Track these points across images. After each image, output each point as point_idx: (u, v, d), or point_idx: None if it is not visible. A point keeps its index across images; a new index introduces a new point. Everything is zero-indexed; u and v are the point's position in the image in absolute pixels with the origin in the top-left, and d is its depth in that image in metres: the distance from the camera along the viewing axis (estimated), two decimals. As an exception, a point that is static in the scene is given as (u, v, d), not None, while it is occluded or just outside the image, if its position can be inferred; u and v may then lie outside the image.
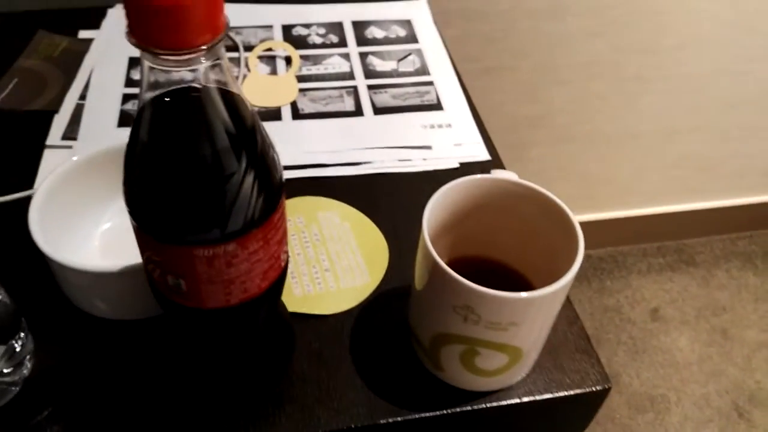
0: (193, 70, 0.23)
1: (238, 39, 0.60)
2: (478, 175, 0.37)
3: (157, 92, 0.24)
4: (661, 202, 1.24)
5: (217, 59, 0.23)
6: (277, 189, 0.27)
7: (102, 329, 0.39)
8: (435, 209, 0.35)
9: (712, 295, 1.22)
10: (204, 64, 0.23)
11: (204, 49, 0.22)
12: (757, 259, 1.29)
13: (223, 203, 0.25)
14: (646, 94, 1.02)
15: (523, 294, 0.31)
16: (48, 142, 0.50)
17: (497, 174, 0.38)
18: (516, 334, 0.33)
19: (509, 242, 0.39)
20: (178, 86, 0.24)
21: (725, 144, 1.15)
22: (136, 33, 0.21)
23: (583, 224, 1.30)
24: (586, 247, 1.28)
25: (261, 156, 0.26)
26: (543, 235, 0.36)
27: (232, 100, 0.25)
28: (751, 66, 1.02)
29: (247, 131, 0.25)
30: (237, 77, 0.57)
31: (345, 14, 0.66)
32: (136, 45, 0.22)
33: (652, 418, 1.05)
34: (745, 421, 1.05)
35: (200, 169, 0.24)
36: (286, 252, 0.31)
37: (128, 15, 0.21)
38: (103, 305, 0.39)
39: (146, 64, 0.23)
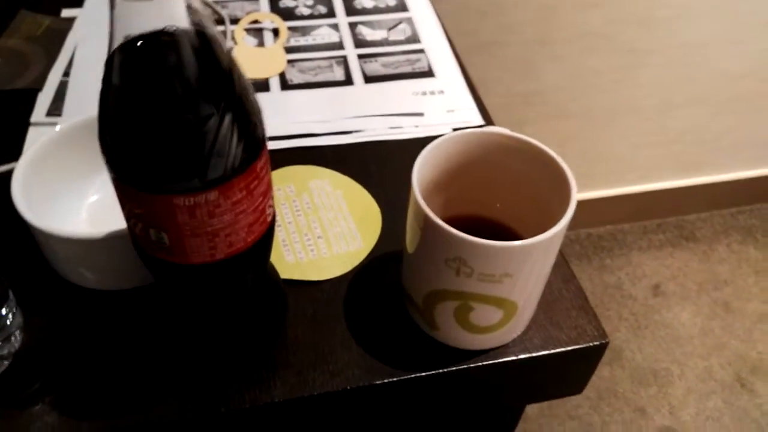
0: (164, 8, 0.22)
1: (223, 12, 0.60)
2: (467, 129, 0.36)
3: (128, 37, 0.23)
4: (660, 177, 1.24)
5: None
6: (258, 135, 0.26)
7: (91, 300, 0.39)
8: (425, 164, 0.35)
9: (713, 270, 1.22)
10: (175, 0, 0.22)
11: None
12: (758, 232, 1.29)
13: (201, 149, 0.24)
14: (642, 67, 1.01)
15: (516, 242, 0.30)
16: (32, 119, 0.50)
17: (489, 128, 0.37)
18: (510, 286, 0.32)
19: (502, 198, 0.38)
20: (149, 31, 0.23)
21: (723, 116, 1.14)
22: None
23: (582, 202, 1.30)
24: (586, 226, 1.28)
25: (239, 100, 0.25)
26: (535, 187, 0.36)
27: (206, 43, 0.24)
28: (748, 35, 1.01)
29: (223, 74, 0.24)
30: (224, 51, 0.56)
31: (333, -14, 0.65)
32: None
33: (656, 391, 1.04)
34: (747, 391, 1.05)
35: (175, 114, 0.24)
36: (272, 207, 0.30)
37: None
38: (91, 275, 0.38)
39: (116, 2, 0.22)
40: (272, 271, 0.37)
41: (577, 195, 0.32)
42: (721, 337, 1.12)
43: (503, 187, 0.37)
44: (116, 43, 0.23)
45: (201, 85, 0.24)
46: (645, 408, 1.02)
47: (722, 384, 1.06)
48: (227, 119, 0.24)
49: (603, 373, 1.07)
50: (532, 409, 0.94)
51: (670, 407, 1.02)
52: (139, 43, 0.23)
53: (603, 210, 1.26)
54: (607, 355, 1.09)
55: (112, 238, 0.35)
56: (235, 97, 0.25)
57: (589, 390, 1.03)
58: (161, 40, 0.23)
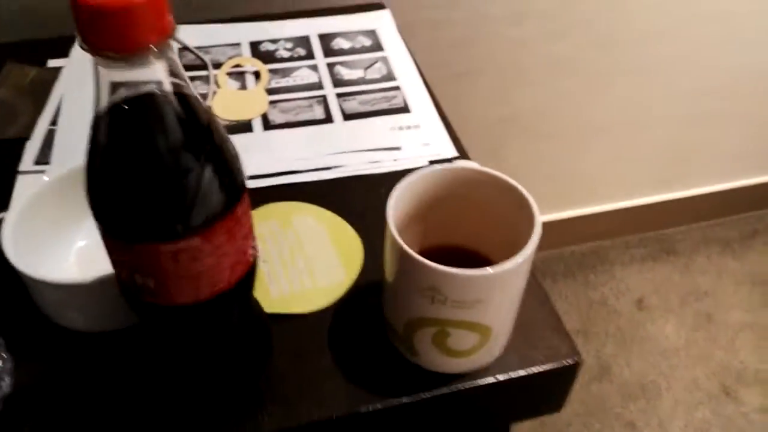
0: (145, 73, 0.24)
1: (206, 57, 0.62)
2: (438, 165, 0.38)
3: (113, 100, 0.25)
4: (639, 193, 1.27)
5: (168, 62, 0.25)
6: (237, 182, 0.28)
7: (80, 343, 0.40)
8: (399, 200, 0.37)
9: (694, 282, 1.24)
10: (155, 65, 0.24)
11: (152, 50, 0.23)
12: (735, 243, 1.32)
13: (182, 199, 0.26)
14: (611, 88, 1.05)
15: (483, 270, 0.32)
16: (21, 168, 0.51)
17: (457, 164, 0.40)
18: (482, 311, 0.34)
19: (474, 227, 0.40)
20: (132, 93, 0.25)
21: (694, 132, 1.18)
22: (87, 40, 0.23)
23: (563, 221, 1.32)
24: (569, 243, 1.30)
25: (218, 152, 0.27)
26: (504, 216, 0.38)
27: (185, 102, 0.26)
28: (711, 53, 1.05)
29: (201, 128, 0.26)
30: (207, 94, 0.58)
31: (311, 28, 0.67)
32: (88, 50, 0.23)
33: (644, 405, 1.06)
34: (732, 400, 1.06)
35: (157, 168, 0.26)
36: (254, 247, 0.32)
37: (77, 23, 0.23)
38: (79, 318, 0.39)
39: (99, 69, 0.24)
40: (256, 306, 0.38)
41: (541, 220, 0.35)
42: (705, 348, 1.14)
43: (475, 217, 0.39)
44: (101, 106, 0.25)
45: (182, 141, 0.26)
46: (635, 422, 1.04)
47: (709, 394, 1.07)
48: (207, 171, 0.26)
49: (592, 389, 1.08)
50: (522, 428, 0.95)
51: (659, 420, 1.04)
52: (123, 106, 0.25)
53: (585, 227, 1.29)
54: (596, 370, 1.11)
55: (99, 283, 0.36)
56: (214, 150, 0.27)
57: (579, 406, 1.05)
58: (143, 100, 0.25)
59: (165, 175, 0.26)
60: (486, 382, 0.39)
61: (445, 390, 0.38)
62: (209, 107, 0.26)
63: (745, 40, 1.05)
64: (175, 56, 0.25)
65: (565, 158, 1.15)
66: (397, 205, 0.36)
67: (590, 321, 1.18)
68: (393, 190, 0.36)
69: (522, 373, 0.39)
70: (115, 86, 0.25)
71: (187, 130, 0.26)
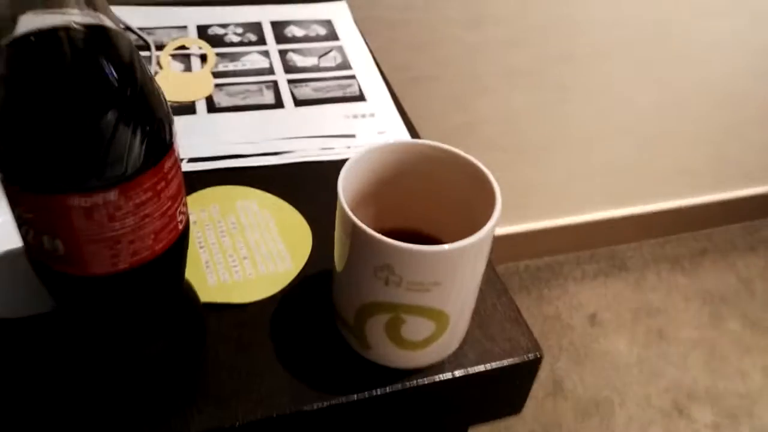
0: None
1: (149, 38, 0.58)
2: (393, 140, 0.35)
3: (19, 32, 0.21)
4: (591, 209, 1.28)
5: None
6: (163, 130, 0.25)
7: (-15, 331, 0.35)
8: (351, 174, 0.34)
9: (646, 298, 1.26)
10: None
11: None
12: (685, 260, 1.34)
13: (96, 141, 0.22)
14: (567, 102, 1.06)
15: (443, 246, 0.29)
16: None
17: (414, 140, 0.37)
18: (440, 295, 0.31)
19: (431, 209, 0.37)
20: (42, 26, 0.21)
21: (645, 149, 1.20)
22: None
23: (518, 234, 1.30)
24: (524, 257, 1.30)
25: (140, 94, 0.23)
26: (462, 196, 0.35)
27: (104, 36, 0.23)
28: (664, 71, 1.08)
29: (123, 67, 0.23)
30: (148, 74, 0.54)
31: (263, 15, 0.64)
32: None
33: (598, 422, 1.04)
34: (685, 417, 1.07)
35: (65, 106, 0.22)
36: (185, 213, 0.28)
37: None
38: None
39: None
40: (189, 292, 0.34)
41: (501, 199, 0.32)
42: (657, 365, 1.14)
43: (432, 198, 0.37)
44: (5, 38, 0.22)
45: (97, 78, 0.22)
46: (589, 439, 1.02)
47: (661, 411, 1.07)
48: (126, 114, 0.23)
49: (547, 405, 1.06)
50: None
51: (614, 436, 1.03)
52: (31, 38, 0.22)
53: (539, 241, 1.29)
54: (550, 386, 1.09)
55: (9, 256, 0.32)
56: (135, 91, 0.23)
57: (534, 423, 1.02)
58: (55, 35, 0.22)
59: (74, 114, 0.22)
60: (442, 378, 0.35)
61: (398, 386, 0.35)
62: (133, 45, 0.23)
63: (699, 59, 1.08)
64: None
65: (520, 171, 1.14)
66: (348, 179, 0.33)
67: (544, 335, 1.17)
68: (346, 164, 0.33)
69: (480, 368, 0.36)
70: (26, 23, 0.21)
71: (104, 67, 0.23)
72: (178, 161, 0.26)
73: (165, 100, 0.25)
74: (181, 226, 0.28)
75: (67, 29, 0.22)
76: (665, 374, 1.13)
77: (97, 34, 0.23)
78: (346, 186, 0.33)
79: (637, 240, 1.36)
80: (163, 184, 0.25)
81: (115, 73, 0.23)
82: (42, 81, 0.22)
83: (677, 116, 1.17)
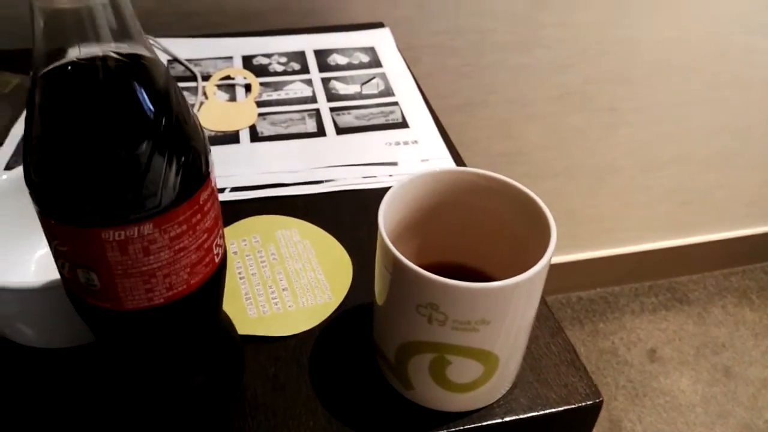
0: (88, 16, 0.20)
1: (196, 69, 0.59)
2: (437, 168, 0.34)
3: (55, 63, 0.21)
4: (649, 238, 1.22)
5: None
6: (198, 161, 0.24)
7: (31, 359, 0.35)
8: (392, 203, 0.32)
9: (710, 333, 1.18)
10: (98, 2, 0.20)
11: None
12: (753, 294, 1.26)
13: (130, 173, 0.22)
14: (622, 126, 1.02)
15: (492, 284, 0.27)
16: (-12, 172, 0.47)
17: (459, 168, 0.35)
18: (488, 335, 0.29)
19: (478, 242, 0.35)
20: (77, 56, 0.21)
21: (706, 175, 1.14)
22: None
23: (570, 264, 1.25)
24: (576, 289, 1.24)
25: (176, 124, 0.23)
26: (512, 229, 0.33)
27: (139, 65, 0.22)
28: (725, 92, 1.03)
29: (157, 94, 0.22)
30: (193, 105, 0.55)
31: (307, 44, 0.65)
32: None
33: (660, 466, 0.98)
34: (758, 463, 0.98)
35: (100, 136, 0.21)
36: (222, 246, 0.27)
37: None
38: (29, 331, 0.34)
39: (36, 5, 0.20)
40: (227, 325, 0.33)
41: (556, 235, 0.30)
42: (724, 405, 1.06)
43: (478, 230, 0.35)
44: (41, 69, 0.21)
45: (131, 108, 0.22)
46: (650, 484, 0.95)
47: (730, 455, 0.99)
48: (161, 145, 0.22)
49: (603, 445, 1.00)
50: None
51: (677, 483, 0.96)
52: (66, 68, 0.21)
53: (593, 272, 1.23)
54: (606, 425, 1.03)
55: (51, 288, 0.32)
56: (171, 121, 0.22)
57: (590, 465, 0.96)
58: (91, 65, 0.22)
59: (108, 145, 0.21)
60: (491, 422, 0.33)
61: (443, 431, 0.32)
62: (169, 73, 0.22)
63: (762, 80, 1.03)
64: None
65: (571, 198, 1.10)
66: (389, 208, 0.32)
67: (600, 371, 1.11)
68: (387, 193, 0.32)
69: (532, 414, 0.33)
70: (50, 23, 0.20)
71: (139, 97, 0.22)
72: (215, 192, 0.26)
73: (202, 129, 0.24)
74: (217, 260, 0.27)
75: (103, 59, 0.22)
76: (733, 415, 1.04)
77: (133, 63, 0.22)
78: (387, 216, 0.31)
79: (699, 272, 1.29)
80: (198, 216, 0.24)
81: (150, 103, 0.22)
82: (76, 112, 0.22)
83: (740, 140, 1.10)
